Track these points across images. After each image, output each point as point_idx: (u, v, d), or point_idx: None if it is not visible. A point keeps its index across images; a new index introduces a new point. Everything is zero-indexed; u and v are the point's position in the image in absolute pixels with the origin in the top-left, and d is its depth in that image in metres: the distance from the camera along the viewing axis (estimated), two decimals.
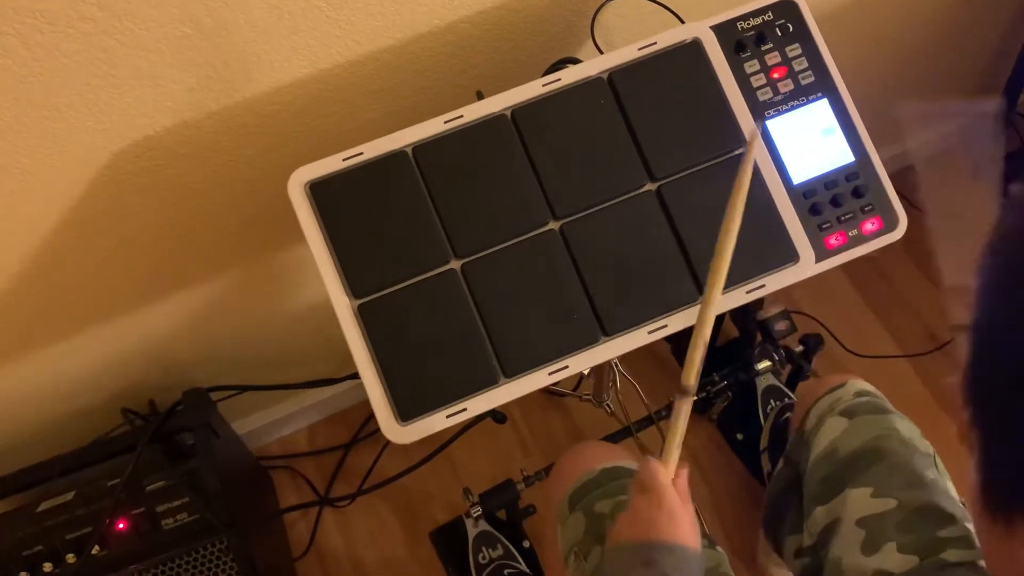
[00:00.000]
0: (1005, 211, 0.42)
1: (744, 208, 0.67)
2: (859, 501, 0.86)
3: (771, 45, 0.87)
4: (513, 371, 0.80)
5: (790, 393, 1.48)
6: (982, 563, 0.76)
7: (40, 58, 0.75)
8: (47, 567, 1.07)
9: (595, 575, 0.85)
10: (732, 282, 0.84)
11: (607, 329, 0.82)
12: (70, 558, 1.07)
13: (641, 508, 0.69)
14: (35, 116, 0.80)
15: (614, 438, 1.34)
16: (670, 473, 0.69)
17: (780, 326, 1.30)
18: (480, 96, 0.86)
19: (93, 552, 1.08)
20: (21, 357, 1.07)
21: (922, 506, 0.83)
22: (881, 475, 0.87)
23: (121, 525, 1.10)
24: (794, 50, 0.88)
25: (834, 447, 0.92)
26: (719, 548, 0.90)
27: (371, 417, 1.54)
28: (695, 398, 0.70)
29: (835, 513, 0.87)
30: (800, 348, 1.38)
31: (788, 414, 1.42)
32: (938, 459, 0.90)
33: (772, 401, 1.47)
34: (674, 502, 0.68)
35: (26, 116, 0.79)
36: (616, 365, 1.40)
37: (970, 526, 0.81)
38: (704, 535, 0.91)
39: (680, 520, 0.68)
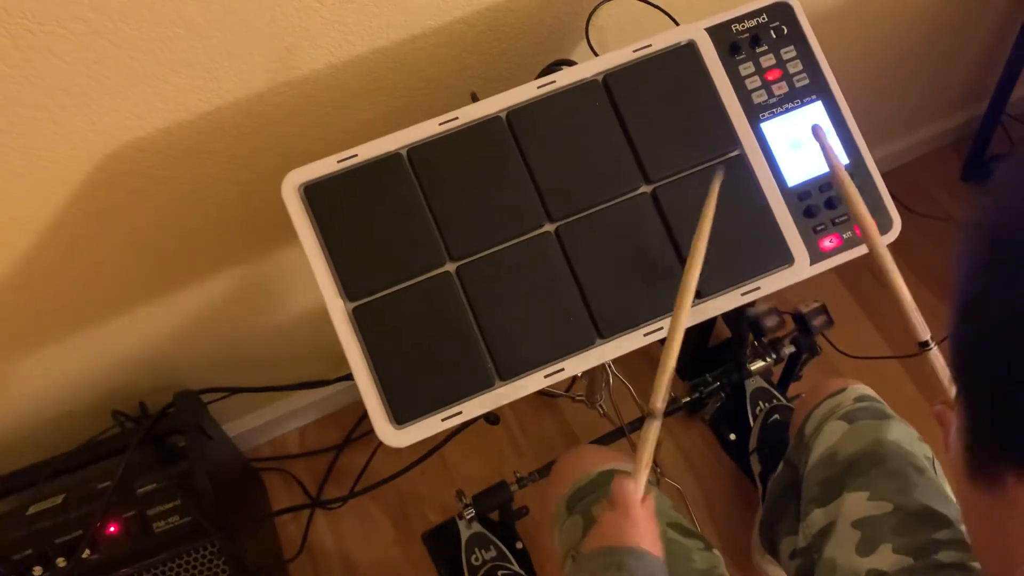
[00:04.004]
0: (989, 190, 0.44)
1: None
2: (856, 504, 0.86)
3: (766, 47, 0.88)
4: (509, 374, 0.80)
5: (779, 395, 1.48)
6: (974, 564, 0.76)
7: (31, 59, 0.74)
8: (37, 571, 1.06)
9: None
10: (727, 284, 0.84)
11: (603, 332, 0.82)
12: (60, 562, 1.06)
13: (610, 520, 0.72)
14: (26, 117, 0.79)
15: (607, 439, 1.34)
16: (639, 490, 0.72)
17: (769, 322, 1.30)
18: (475, 98, 0.85)
19: (84, 556, 1.07)
20: (10, 359, 1.07)
21: (918, 509, 0.83)
22: (878, 479, 0.87)
23: (112, 528, 1.09)
24: (788, 52, 0.88)
25: (834, 451, 0.93)
26: (715, 550, 0.90)
27: (363, 418, 1.53)
28: (662, 420, 0.72)
29: (832, 515, 0.88)
30: (792, 348, 1.39)
31: (776, 415, 1.43)
32: (936, 462, 0.91)
33: (760, 403, 1.48)
34: (641, 515, 0.71)
35: (17, 117, 0.79)
36: (609, 366, 1.40)
37: (964, 528, 0.81)
38: (700, 537, 0.91)
39: (646, 530, 0.70)
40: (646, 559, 0.68)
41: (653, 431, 0.72)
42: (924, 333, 0.79)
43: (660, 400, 0.72)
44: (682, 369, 1.56)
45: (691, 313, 0.84)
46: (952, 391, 0.79)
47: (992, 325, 0.42)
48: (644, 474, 0.72)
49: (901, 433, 0.92)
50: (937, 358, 0.79)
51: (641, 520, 0.70)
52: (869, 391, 1.01)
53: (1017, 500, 0.42)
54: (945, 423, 0.80)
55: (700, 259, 0.74)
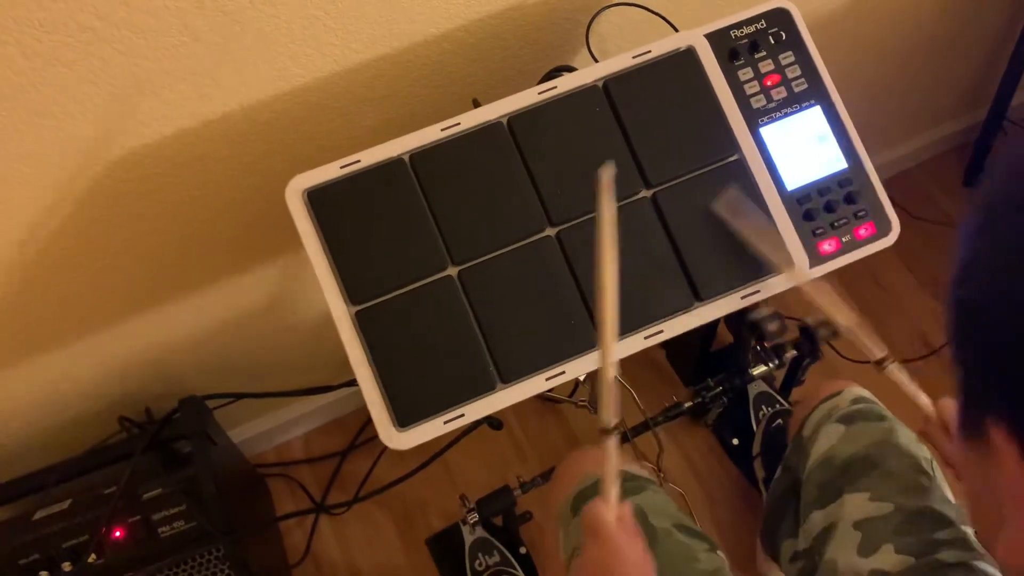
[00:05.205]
0: (989, 179, 0.46)
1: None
2: (857, 505, 0.86)
3: (764, 53, 0.88)
4: (510, 377, 0.81)
5: (782, 400, 1.48)
6: (976, 563, 0.77)
7: (38, 67, 0.75)
8: (44, 575, 1.07)
9: None
10: (727, 288, 0.85)
11: None
12: (67, 566, 1.07)
13: (594, 556, 0.69)
14: (33, 124, 0.80)
15: None
16: (612, 510, 0.69)
17: (772, 327, 1.30)
18: (476, 104, 0.86)
19: (90, 560, 1.08)
20: (18, 365, 1.07)
21: (919, 510, 0.83)
22: (878, 480, 0.87)
23: (118, 533, 1.10)
24: (787, 58, 0.89)
25: (832, 453, 0.93)
26: (720, 552, 0.90)
27: (367, 424, 1.54)
28: (618, 433, 0.71)
29: (832, 517, 0.88)
30: (794, 353, 1.39)
31: (780, 420, 1.43)
32: (935, 464, 0.91)
33: (764, 407, 1.48)
34: (622, 545, 0.68)
35: (24, 124, 0.80)
36: None
37: (967, 529, 0.82)
38: (705, 538, 0.91)
39: (630, 554, 0.68)
40: None
41: (611, 447, 0.70)
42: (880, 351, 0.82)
43: (610, 415, 0.70)
44: (685, 374, 1.57)
45: (693, 316, 0.84)
46: (922, 401, 0.82)
47: (981, 287, 0.44)
48: (613, 492, 0.70)
49: (901, 435, 0.92)
50: (896, 373, 0.82)
51: (625, 551, 0.68)
52: (865, 393, 1.01)
53: (1000, 451, 0.44)
54: (933, 440, 0.82)
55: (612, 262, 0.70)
